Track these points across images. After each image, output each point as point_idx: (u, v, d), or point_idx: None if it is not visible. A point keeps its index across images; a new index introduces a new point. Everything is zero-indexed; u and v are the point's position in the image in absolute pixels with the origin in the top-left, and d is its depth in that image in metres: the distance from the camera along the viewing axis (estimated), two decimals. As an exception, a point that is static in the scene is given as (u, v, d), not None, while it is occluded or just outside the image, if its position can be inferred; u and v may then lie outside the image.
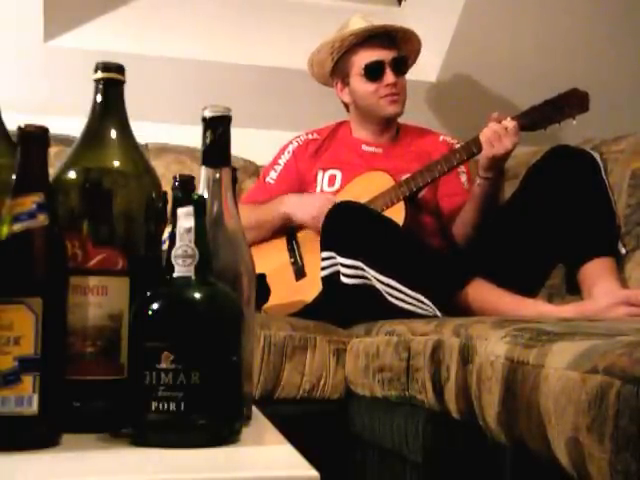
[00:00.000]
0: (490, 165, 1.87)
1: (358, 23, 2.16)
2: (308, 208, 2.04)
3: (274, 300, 1.89)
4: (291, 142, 2.26)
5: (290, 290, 1.98)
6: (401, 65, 2.15)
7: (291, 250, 2.07)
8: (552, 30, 2.56)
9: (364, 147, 2.21)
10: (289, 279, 2.02)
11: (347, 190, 2.09)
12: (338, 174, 2.15)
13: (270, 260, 2.01)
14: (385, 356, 1.45)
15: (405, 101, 2.16)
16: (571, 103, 1.88)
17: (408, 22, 2.37)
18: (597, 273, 1.70)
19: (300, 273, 2.03)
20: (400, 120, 2.23)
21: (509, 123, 1.84)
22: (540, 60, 2.58)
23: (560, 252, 1.81)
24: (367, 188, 2.03)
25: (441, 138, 2.23)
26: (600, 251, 1.73)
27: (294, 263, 2.05)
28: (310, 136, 2.26)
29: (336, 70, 2.22)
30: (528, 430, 0.87)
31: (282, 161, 2.23)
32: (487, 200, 1.92)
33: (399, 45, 2.18)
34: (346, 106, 2.26)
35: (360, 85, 2.16)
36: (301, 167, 2.21)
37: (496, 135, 1.83)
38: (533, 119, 1.89)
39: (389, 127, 2.21)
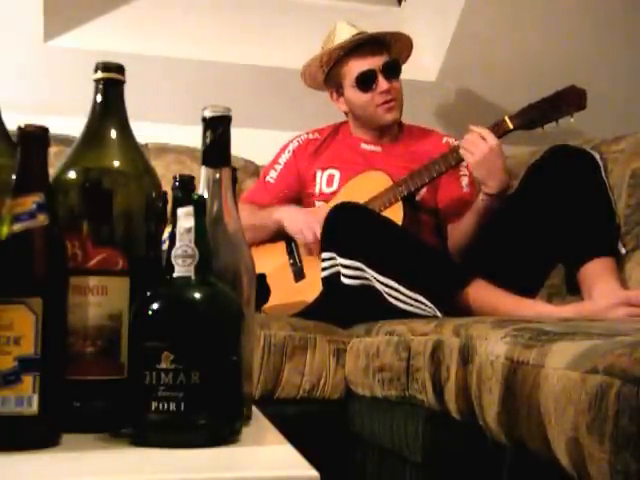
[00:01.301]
0: (484, 175, 1.86)
1: (344, 31, 2.13)
2: (298, 221, 2.04)
3: (273, 302, 1.89)
4: (291, 141, 2.25)
5: (289, 292, 1.98)
6: (393, 69, 2.12)
7: (290, 252, 2.07)
8: (552, 30, 2.56)
9: (363, 145, 2.20)
10: (288, 281, 2.02)
11: (345, 190, 2.09)
12: (336, 174, 2.15)
13: (269, 262, 2.00)
14: (385, 356, 1.45)
15: (402, 104, 2.14)
16: (568, 100, 1.88)
17: (408, 22, 2.37)
18: (597, 273, 1.69)
19: (299, 275, 2.02)
20: (403, 120, 2.22)
21: (481, 130, 1.85)
22: (540, 60, 2.58)
23: (560, 252, 1.81)
24: (365, 188, 2.03)
25: (444, 140, 2.21)
26: (600, 251, 1.73)
27: (293, 264, 2.05)
28: (311, 136, 2.25)
29: (329, 81, 2.21)
30: (528, 430, 0.87)
31: (282, 160, 2.23)
32: (488, 216, 1.91)
33: (389, 47, 2.15)
34: (345, 112, 2.26)
35: (354, 96, 2.14)
36: (301, 166, 2.20)
37: (471, 143, 1.85)
38: (530, 117, 1.89)
39: (389, 130, 2.20)
